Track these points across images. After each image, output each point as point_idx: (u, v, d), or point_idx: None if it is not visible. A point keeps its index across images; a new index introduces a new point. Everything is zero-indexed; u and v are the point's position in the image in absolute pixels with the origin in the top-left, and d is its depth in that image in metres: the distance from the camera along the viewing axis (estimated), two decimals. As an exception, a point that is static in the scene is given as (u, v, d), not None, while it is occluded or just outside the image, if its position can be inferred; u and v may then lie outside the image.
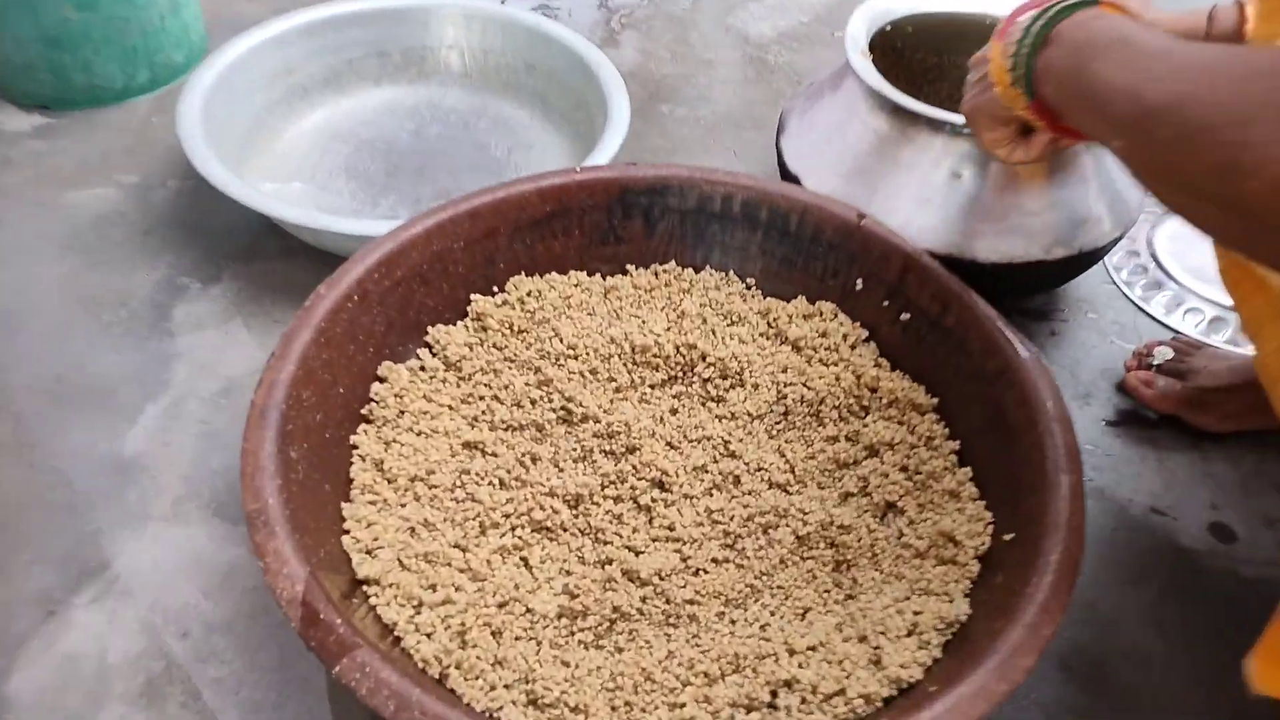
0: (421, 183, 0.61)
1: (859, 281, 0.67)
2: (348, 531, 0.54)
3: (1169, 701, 0.59)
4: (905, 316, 0.65)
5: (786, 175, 0.77)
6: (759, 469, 0.61)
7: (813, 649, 0.52)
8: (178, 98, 0.83)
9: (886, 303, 0.66)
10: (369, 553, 0.54)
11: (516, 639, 0.52)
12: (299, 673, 0.58)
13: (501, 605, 0.53)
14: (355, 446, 0.59)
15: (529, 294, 0.69)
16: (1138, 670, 0.60)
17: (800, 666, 0.51)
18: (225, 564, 0.63)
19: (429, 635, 0.51)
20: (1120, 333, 0.81)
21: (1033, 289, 0.77)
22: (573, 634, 0.54)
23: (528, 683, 0.50)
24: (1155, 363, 0.74)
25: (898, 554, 0.57)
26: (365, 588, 0.52)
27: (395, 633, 0.50)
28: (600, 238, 0.71)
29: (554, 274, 0.71)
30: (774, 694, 0.50)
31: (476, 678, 0.49)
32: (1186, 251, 0.86)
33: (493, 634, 0.52)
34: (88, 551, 0.63)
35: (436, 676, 0.49)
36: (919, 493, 0.59)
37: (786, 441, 0.63)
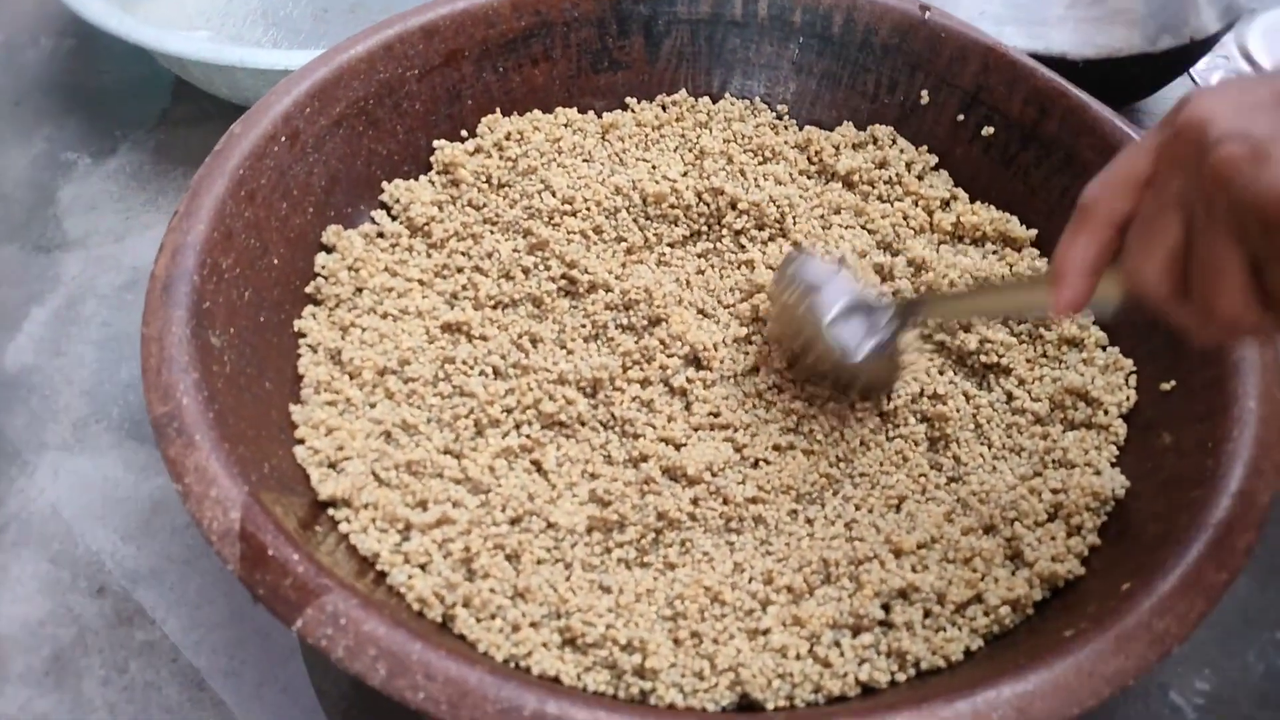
0: (358, 25, 0.49)
1: (924, 93, 0.54)
2: (301, 441, 0.41)
3: None
4: (988, 131, 0.52)
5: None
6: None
7: (925, 546, 0.40)
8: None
9: (962, 116, 0.53)
10: (332, 465, 0.40)
11: (539, 563, 0.39)
12: (256, 627, 0.45)
13: (515, 521, 0.41)
14: (302, 334, 0.45)
15: (508, 137, 0.54)
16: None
17: (915, 570, 0.39)
18: (147, 498, 0.50)
19: (423, 566, 0.38)
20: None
21: (1126, 96, 0.64)
22: (609, 551, 0.41)
23: (560, 617, 0.37)
24: None
25: (1010, 422, 0.45)
26: (331, 511, 0.39)
27: (377, 566, 0.37)
28: (592, 63, 0.57)
29: (537, 112, 0.56)
30: (886, 608, 0.38)
31: (492, 616, 0.37)
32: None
33: (507, 558, 0.39)
34: (-36, 496, 0.49)
35: (439, 619, 0.36)
36: (1026, 346, 0.47)
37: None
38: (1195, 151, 0.26)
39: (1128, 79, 0.55)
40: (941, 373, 0.47)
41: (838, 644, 0.37)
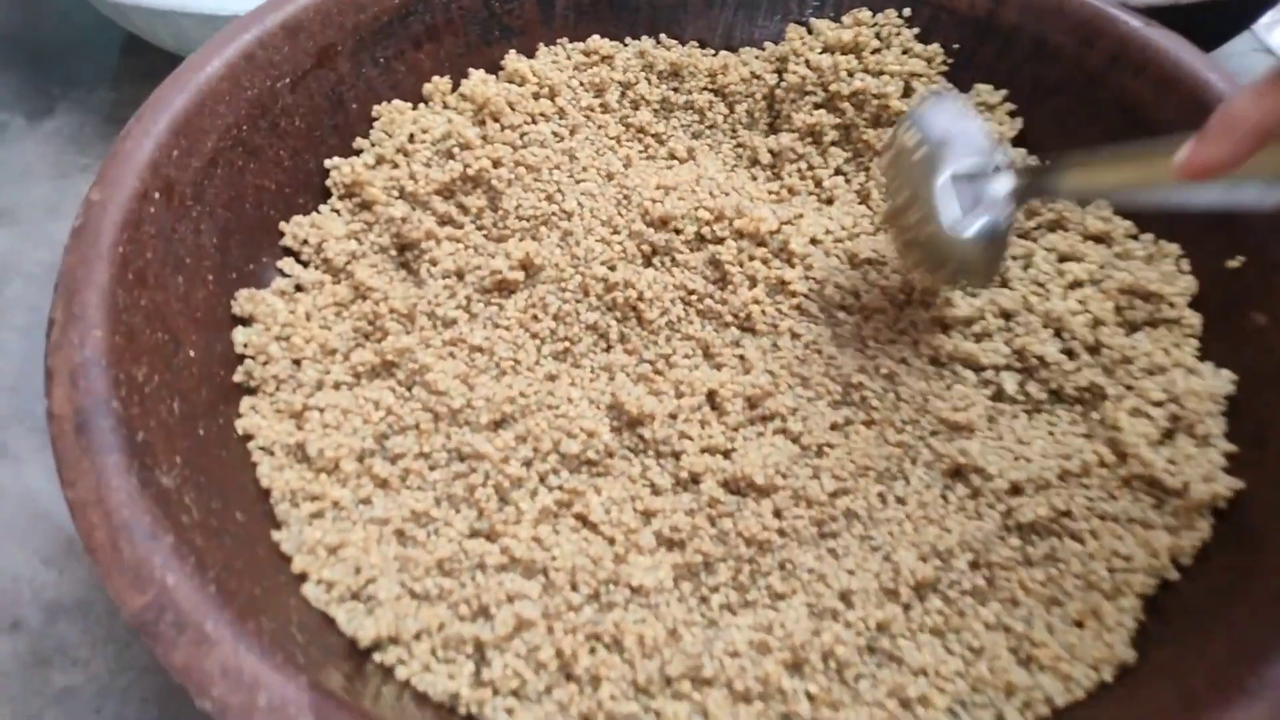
0: None
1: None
2: (304, 577, 0.32)
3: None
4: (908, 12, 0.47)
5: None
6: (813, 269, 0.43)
7: (1043, 488, 0.36)
8: None
9: (908, 9, 0.48)
10: (355, 597, 0.31)
11: (645, 642, 0.32)
12: None
13: (594, 598, 0.33)
14: (248, 436, 0.35)
15: (410, 139, 0.45)
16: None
17: (1048, 532, 0.35)
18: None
19: (516, 693, 0.30)
20: None
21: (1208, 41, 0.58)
22: (705, 600, 0.35)
23: (697, 687, 0.30)
24: None
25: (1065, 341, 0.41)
26: (378, 656, 0.30)
27: (460, 709, 0.29)
28: (481, 34, 0.48)
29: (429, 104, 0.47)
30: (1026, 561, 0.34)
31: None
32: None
33: (609, 647, 0.32)
34: None
35: (566, 753, 0.29)
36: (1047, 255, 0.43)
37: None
38: None
39: (1190, 30, 0.51)
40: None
41: (1027, 620, 0.32)
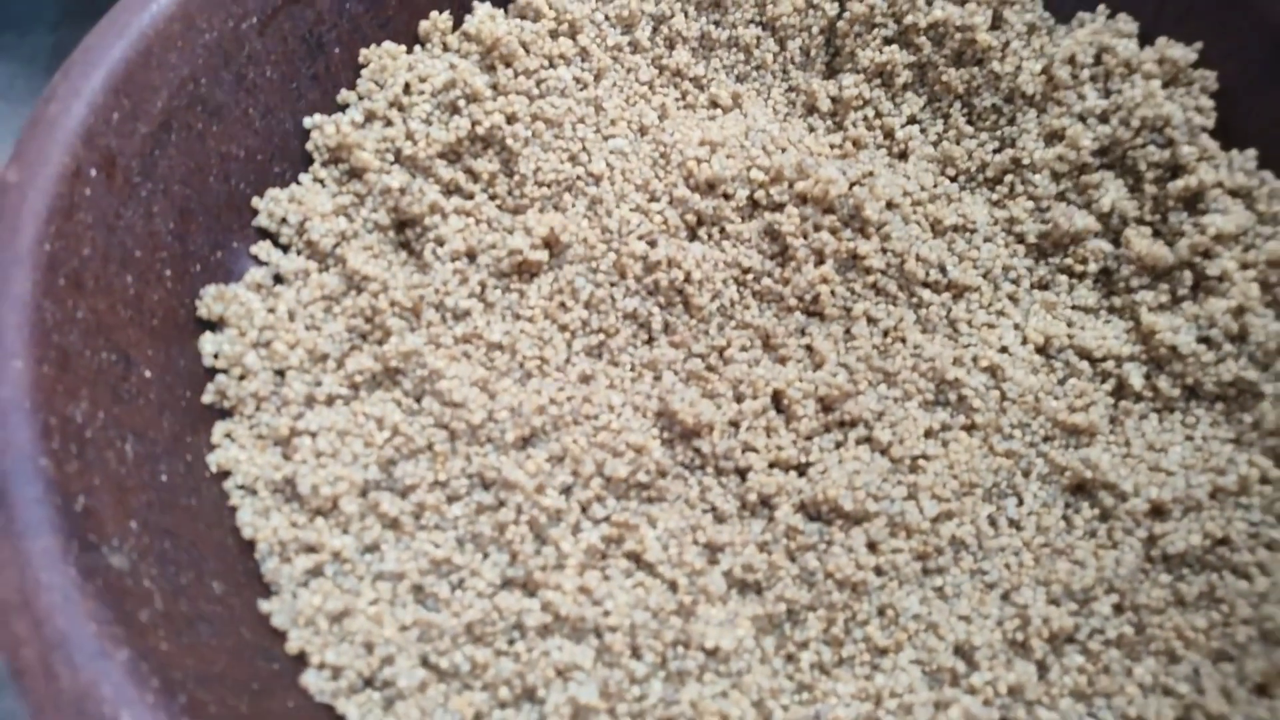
0: None
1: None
2: (304, 659, 0.25)
3: None
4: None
5: None
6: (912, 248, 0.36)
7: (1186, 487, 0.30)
8: None
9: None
10: (369, 683, 0.25)
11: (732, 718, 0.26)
12: None
13: (661, 666, 0.27)
14: (225, 473, 0.29)
15: (406, 90, 0.37)
16: None
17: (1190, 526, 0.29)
18: None
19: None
20: None
21: None
22: (792, 659, 0.28)
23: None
24: None
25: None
26: (403, 762, 0.24)
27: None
28: (485, -42, 0.40)
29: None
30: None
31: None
32: None
33: (687, 735, 0.25)
34: None
35: None
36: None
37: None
38: None
39: None
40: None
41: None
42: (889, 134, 0.41)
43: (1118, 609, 0.29)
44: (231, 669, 0.22)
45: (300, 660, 0.25)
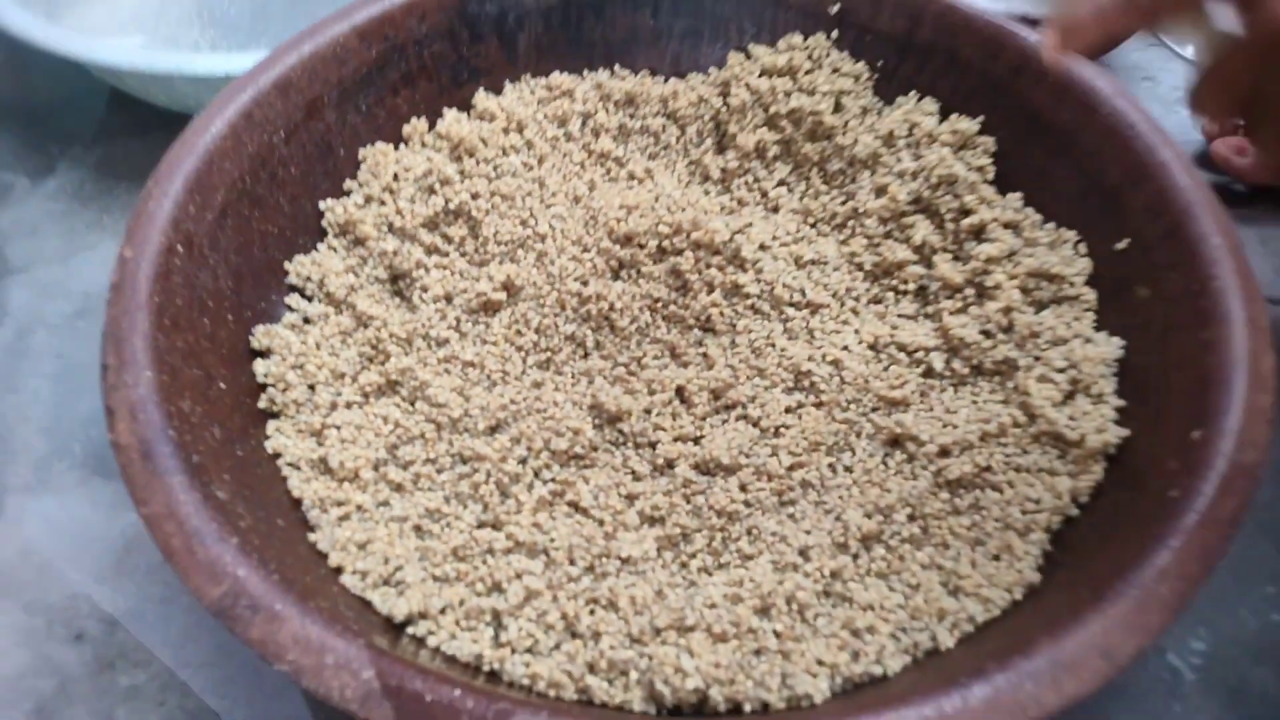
0: (298, 22, 0.46)
1: (785, 20, 0.54)
2: (340, 569, 0.37)
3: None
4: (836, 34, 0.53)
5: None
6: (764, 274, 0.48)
7: (967, 449, 0.42)
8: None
9: (835, 32, 0.54)
10: (389, 583, 0.37)
11: (636, 602, 0.37)
12: (244, 664, 0.42)
13: (590, 570, 0.39)
14: (277, 455, 0.40)
15: (395, 178, 0.50)
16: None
17: (971, 485, 0.41)
18: (119, 536, 0.46)
19: (530, 650, 0.35)
20: (1184, 99, 0.68)
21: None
22: (685, 565, 0.40)
23: (683, 635, 0.36)
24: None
25: (983, 325, 0.47)
26: (410, 629, 0.35)
27: (484, 668, 0.35)
28: (452, 77, 0.53)
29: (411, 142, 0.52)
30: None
31: (623, 673, 0.35)
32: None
33: (606, 609, 0.37)
34: (-76, 548, 0.45)
35: (575, 698, 0.34)
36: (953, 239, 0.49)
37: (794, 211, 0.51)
38: None
39: None
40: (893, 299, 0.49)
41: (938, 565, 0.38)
42: (764, 194, 0.54)
43: (910, 518, 0.40)
44: (297, 564, 0.34)
45: (339, 570, 0.37)
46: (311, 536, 0.38)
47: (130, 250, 0.39)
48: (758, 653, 0.35)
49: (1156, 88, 0.70)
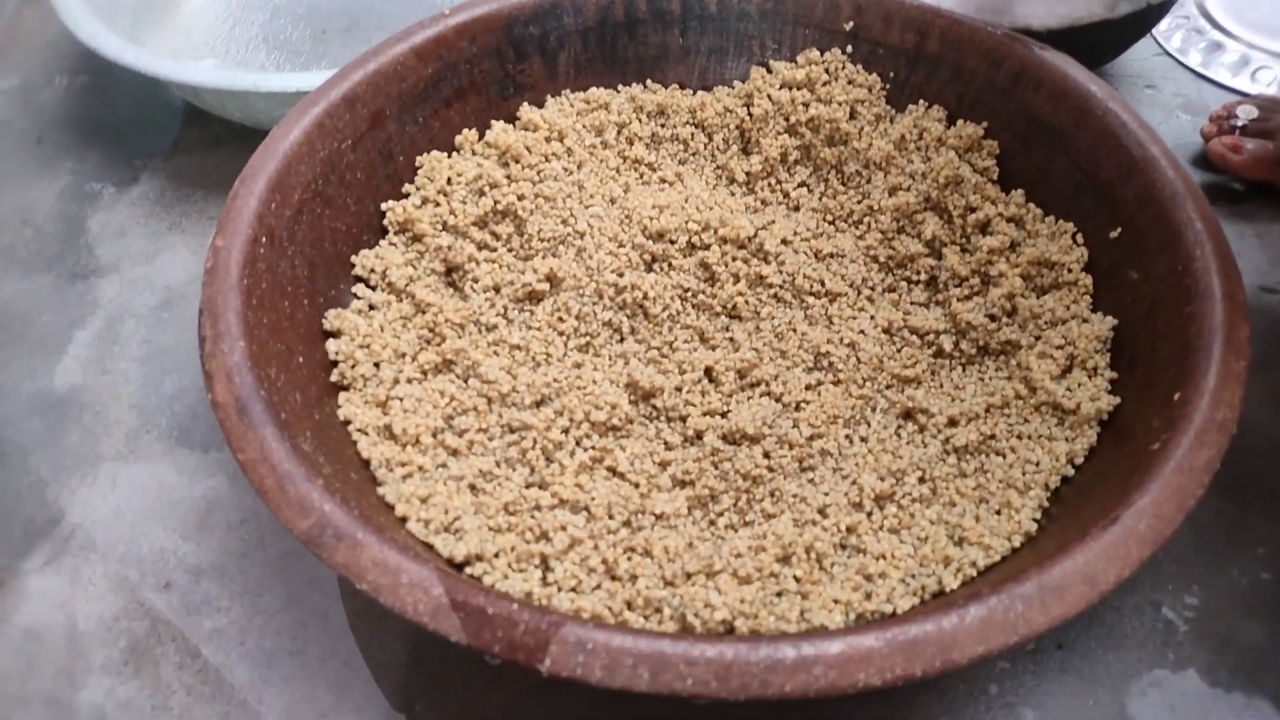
0: (355, 44, 0.53)
1: (803, 37, 0.59)
2: (405, 519, 0.41)
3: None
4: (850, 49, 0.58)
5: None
6: (788, 264, 0.53)
7: (972, 420, 0.45)
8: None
9: (850, 47, 0.58)
10: (449, 530, 0.41)
11: (669, 551, 0.41)
12: (314, 609, 0.48)
13: (627, 524, 0.43)
14: (348, 422, 0.45)
15: (449, 182, 0.55)
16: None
17: (976, 451, 0.44)
18: (201, 499, 0.52)
19: (575, 589, 0.40)
20: (1186, 105, 0.72)
21: (1091, 60, 0.61)
22: (713, 523, 0.44)
23: (711, 576, 0.40)
24: (1240, 123, 0.65)
25: (989, 307, 0.50)
26: (468, 569, 0.40)
27: (534, 603, 0.39)
28: (499, 91, 0.58)
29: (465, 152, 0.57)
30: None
31: (657, 610, 0.39)
32: (1245, 5, 0.76)
33: (643, 555, 0.41)
34: (31, 507, 0.52)
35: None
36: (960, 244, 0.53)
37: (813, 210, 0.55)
38: None
39: (1092, 45, 0.60)
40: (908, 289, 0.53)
41: (945, 521, 0.42)
42: (786, 194, 0.58)
43: (920, 480, 0.44)
44: (371, 509, 0.38)
45: (404, 519, 0.41)
46: (380, 490, 0.42)
47: (222, 240, 0.44)
48: (779, 594, 0.39)
49: (1158, 95, 0.74)
